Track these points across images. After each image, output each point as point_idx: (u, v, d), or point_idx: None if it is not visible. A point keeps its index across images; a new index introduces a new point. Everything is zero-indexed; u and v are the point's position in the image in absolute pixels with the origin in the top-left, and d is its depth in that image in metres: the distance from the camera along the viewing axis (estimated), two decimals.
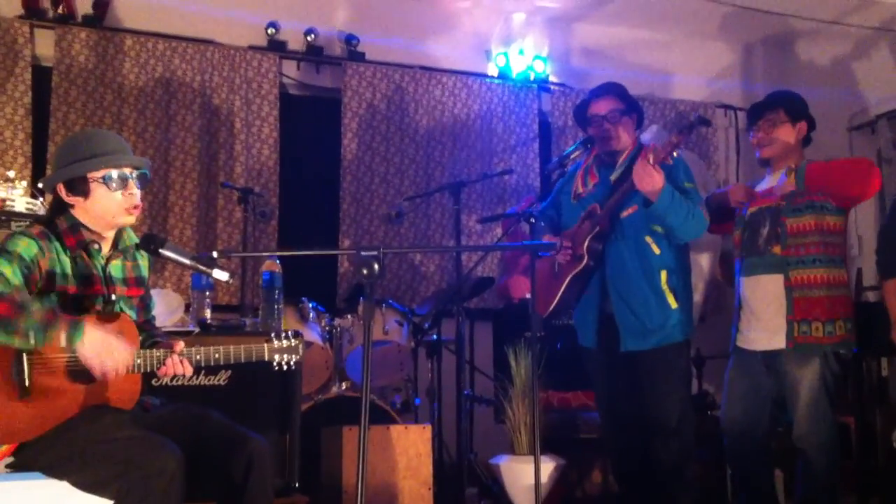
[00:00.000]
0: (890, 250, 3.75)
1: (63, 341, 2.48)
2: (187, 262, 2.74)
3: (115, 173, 2.73)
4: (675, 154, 3.55)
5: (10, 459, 2.62)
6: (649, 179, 3.48)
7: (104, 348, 2.52)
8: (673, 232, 3.64)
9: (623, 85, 3.91)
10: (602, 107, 3.81)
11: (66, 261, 2.70)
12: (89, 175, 2.72)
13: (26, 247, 2.62)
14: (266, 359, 2.82)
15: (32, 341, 2.46)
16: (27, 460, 2.61)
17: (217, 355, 2.75)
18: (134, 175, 2.77)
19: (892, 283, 3.70)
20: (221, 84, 5.62)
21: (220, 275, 2.68)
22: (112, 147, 2.78)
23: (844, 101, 6.03)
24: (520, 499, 4.16)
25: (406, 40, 6.08)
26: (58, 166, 2.78)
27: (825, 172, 3.66)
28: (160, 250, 2.68)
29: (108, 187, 2.72)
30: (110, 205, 2.73)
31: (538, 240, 3.85)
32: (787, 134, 3.76)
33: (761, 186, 3.86)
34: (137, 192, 2.77)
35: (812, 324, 3.62)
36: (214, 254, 2.65)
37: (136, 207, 2.76)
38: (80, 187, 2.73)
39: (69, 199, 2.75)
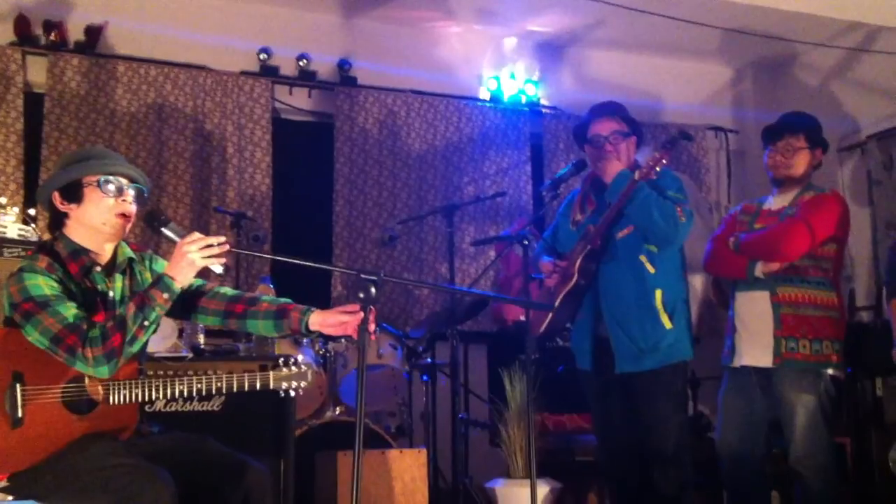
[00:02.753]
0: None
1: (165, 295, 2.56)
2: None
3: (110, 179, 2.70)
4: (657, 169, 3.58)
5: (3, 484, 2.60)
6: (608, 165, 3.61)
7: (184, 261, 2.55)
8: (648, 230, 3.61)
9: (623, 105, 3.87)
10: (604, 127, 3.78)
11: (74, 288, 2.67)
12: (84, 179, 2.69)
13: (49, 285, 2.59)
14: (271, 388, 2.77)
15: (152, 325, 2.58)
16: (20, 488, 2.58)
17: (220, 384, 2.71)
18: (130, 188, 2.74)
19: None
20: (214, 109, 5.63)
21: (216, 268, 2.67)
22: (108, 156, 2.77)
23: (834, 123, 6.06)
24: None
25: (398, 65, 6.10)
26: (55, 175, 2.75)
27: (762, 238, 3.70)
28: (162, 228, 2.62)
29: (103, 191, 2.68)
30: (102, 211, 2.69)
31: (534, 264, 3.85)
32: (805, 160, 3.79)
33: (768, 205, 3.87)
34: (132, 203, 2.74)
35: (799, 341, 3.63)
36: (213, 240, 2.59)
37: (126, 216, 2.72)
38: (74, 193, 2.69)
39: (63, 207, 2.70)
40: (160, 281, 2.58)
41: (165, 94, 5.52)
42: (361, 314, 2.48)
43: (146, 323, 2.55)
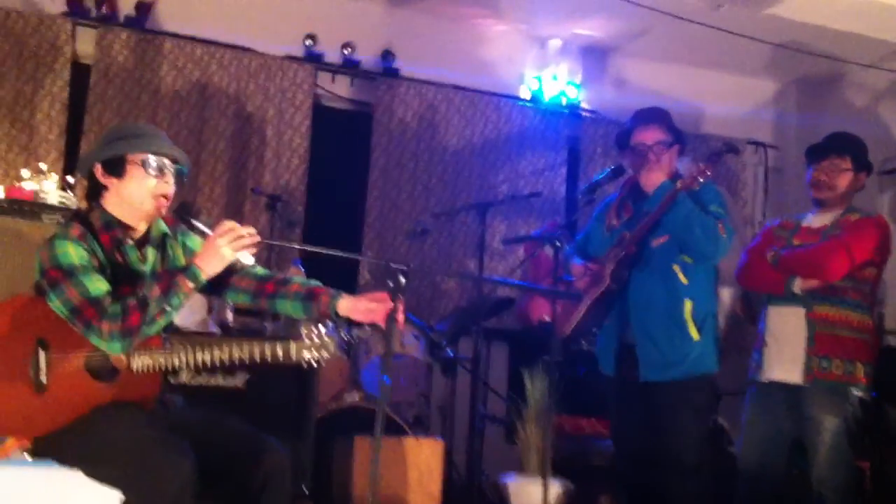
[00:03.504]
0: None
1: (191, 284, 2.58)
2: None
3: (153, 159, 2.70)
4: (700, 180, 3.55)
5: (26, 448, 2.63)
6: (650, 175, 3.57)
7: (216, 253, 2.58)
8: (688, 245, 3.59)
9: (668, 112, 3.81)
10: (649, 136, 3.71)
11: (104, 260, 2.68)
12: (129, 156, 2.70)
13: (79, 254, 2.60)
14: (294, 358, 2.71)
15: (174, 310, 2.59)
16: (42, 452, 2.62)
17: (242, 353, 2.66)
18: (172, 168, 2.75)
19: None
20: (256, 92, 5.67)
21: (246, 258, 2.68)
22: (156, 136, 2.78)
23: (877, 145, 5.99)
24: None
25: (440, 59, 6.12)
26: (99, 147, 2.77)
27: (804, 255, 3.67)
28: (192, 220, 2.65)
29: (145, 171, 2.69)
30: (141, 190, 2.70)
31: (564, 265, 3.84)
32: (848, 182, 3.75)
33: (807, 222, 3.84)
34: (172, 185, 2.75)
35: (833, 361, 3.60)
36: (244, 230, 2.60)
37: (166, 198, 2.73)
38: (117, 167, 2.70)
39: (104, 180, 2.71)
40: (189, 269, 2.59)
41: (210, 74, 5.57)
42: (390, 304, 2.49)
43: (167, 308, 2.57)
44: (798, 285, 3.65)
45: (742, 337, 5.65)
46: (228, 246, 2.57)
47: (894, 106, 6.09)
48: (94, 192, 2.77)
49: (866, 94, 6.29)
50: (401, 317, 2.59)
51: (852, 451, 3.59)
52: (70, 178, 4.60)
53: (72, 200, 3.85)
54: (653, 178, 3.65)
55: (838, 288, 3.64)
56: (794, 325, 3.67)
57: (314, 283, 2.84)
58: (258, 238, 2.61)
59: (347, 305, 2.76)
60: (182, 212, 2.67)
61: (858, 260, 3.59)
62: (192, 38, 5.58)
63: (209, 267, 2.60)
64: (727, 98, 6.68)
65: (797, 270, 3.67)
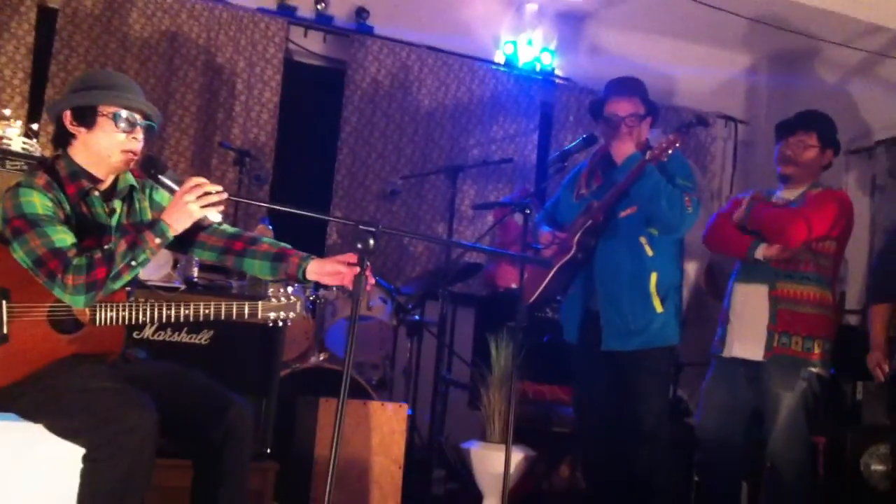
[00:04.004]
0: (883, 276, 3.78)
1: (158, 240, 2.55)
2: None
3: (124, 113, 2.66)
4: (669, 152, 3.57)
5: None
6: (620, 145, 3.59)
7: (183, 210, 2.54)
8: (654, 216, 3.61)
9: (642, 82, 3.83)
10: (622, 108, 3.74)
11: (70, 210, 2.64)
12: (100, 107, 2.65)
13: (44, 204, 2.56)
14: (259, 317, 2.77)
15: (139, 266, 2.56)
16: (2, 403, 2.58)
17: (208, 311, 2.70)
18: (142, 123, 2.71)
19: (879, 308, 3.74)
20: (227, 43, 5.57)
21: (214, 216, 2.65)
22: (130, 88, 2.73)
23: (845, 124, 6.03)
24: (487, 485, 4.17)
25: (415, 19, 6.04)
26: (70, 93, 2.72)
27: (770, 216, 3.70)
28: (159, 176, 2.60)
29: (115, 124, 2.65)
30: (111, 143, 2.66)
31: (533, 233, 3.85)
32: (815, 158, 3.78)
33: (776, 198, 3.87)
34: (140, 140, 2.71)
35: (792, 337, 3.65)
36: (212, 188, 2.57)
37: (133, 153, 2.69)
38: (87, 117, 2.65)
39: (72, 129, 2.67)
40: (156, 225, 2.56)
41: (180, 24, 5.46)
42: (358, 267, 2.48)
43: (133, 263, 2.54)
44: (761, 251, 3.68)
45: (704, 310, 5.72)
46: (195, 203, 2.54)
47: (864, 85, 6.12)
48: (62, 139, 2.71)
49: (837, 73, 6.32)
50: (372, 280, 2.57)
51: (808, 426, 3.66)
52: (34, 126, 4.50)
53: (35, 148, 3.76)
54: (623, 149, 3.67)
55: (799, 261, 3.68)
56: (757, 302, 3.72)
57: (284, 244, 2.82)
58: (226, 195, 2.57)
59: (315, 269, 2.74)
60: (148, 166, 2.61)
61: (816, 230, 3.62)
62: None
63: (177, 223, 2.57)
64: (700, 70, 6.67)
65: (763, 228, 3.70)
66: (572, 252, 3.70)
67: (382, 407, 3.93)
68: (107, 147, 2.67)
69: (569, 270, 3.78)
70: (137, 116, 2.69)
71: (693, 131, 6.34)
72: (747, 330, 3.74)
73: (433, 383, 4.63)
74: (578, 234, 3.71)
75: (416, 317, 4.87)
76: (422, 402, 4.85)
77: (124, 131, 2.67)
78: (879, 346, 3.71)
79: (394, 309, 4.72)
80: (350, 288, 2.64)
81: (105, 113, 2.65)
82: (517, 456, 4.12)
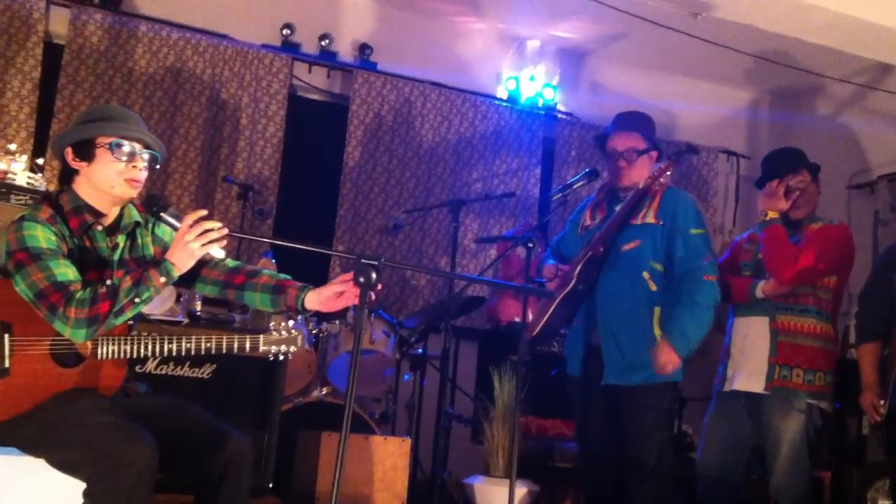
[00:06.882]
0: (867, 315, 3.78)
1: (163, 279, 2.56)
2: None
3: (124, 143, 2.66)
4: (661, 181, 3.61)
5: None
6: (667, 364, 3.56)
7: (185, 250, 2.55)
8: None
9: (648, 118, 3.85)
10: (622, 143, 3.75)
11: (72, 243, 2.64)
12: (97, 139, 2.66)
13: (47, 238, 2.56)
14: (261, 351, 2.77)
15: (142, 303, 2.56)
16: (2, 437, 2.57)
17: (209, 344, 2.71)
18: (144, 153, 2.70)
19: (867, 347, 3.72)
20: (231, 79, 5.62)
21: (217, 252, 2.65)
22: (128, 118, 2.74)
23: (847, 159, 6.07)
24: None
25: (418, 55, 6.10)
26: (70, 130, 2.73)
27: (764, 255, 3.71)
28: (161, 213, 2.60)
29: (114, 154, 2.65)
30: (110, 173, 2.65)
31: (538, 267, 3.85)
32: (813, 195, 3.80)
33: None
34: (143, 169, 2.71)
35: (793, 370, 3.64)
36: (212, 225, 2.57)
37: (136, 181, 2.69)
38: (86, 151, 2.66)
39: (74, 164, 2.68)
40: (161, 264, 2.57)
41: (185, 59, 5.51)
42: (356, 289, 2.48)
43: (137, 300, 2.54)
44: (760, 290, 3.69)
45: (707, 346, 5.70)
46: (196, 241, 2.54)
47: (865, 120, 6.16)
48: (67, 175, 2.73)
49: (837, 109, 6.36)
50: (373, 296, 2.58)
51: (810, 461, 3.63)
52: (39, 160, 4.53)
53: (40, 182, 3.78)
54: (624, 183, 3.69)
55: (799, 294, 3.67)
56: (757, 335, 3.72)
57: (283, 276, 2.82)
58: (226, 231, 2.58)
59: (314, 298, 2.75)
60: (151, 203, 2.62)
61: (801, 264, 3.61)
62: (168, 22, 5.51)
63: (181, 263, 2.58)
64: (702, 106, 6.74)
65: (766, 261, 3.71)
66: (573, 283, 3.69)
67: (385, 441, 3.91)
68: (107, 177, 2.67)
69: (571, 303, 3.77)
70: (137, 146, 2.69)
71: (691, 163, 6.41)
72: (748, 363, 3.72)
73: (436, 417, 4.60)
74: (579, 266, 3.70)
75: (419, 350, 4.86)
76: (424, 437, 4.82)
77: (124, 161, 2.67)
78: (870, 385, 3.67)
79: (396, 342, 4.71)
80: (350, 309, 2.64)
81: (102, 144, 2.66)
82: (521, 491, 4.10)
